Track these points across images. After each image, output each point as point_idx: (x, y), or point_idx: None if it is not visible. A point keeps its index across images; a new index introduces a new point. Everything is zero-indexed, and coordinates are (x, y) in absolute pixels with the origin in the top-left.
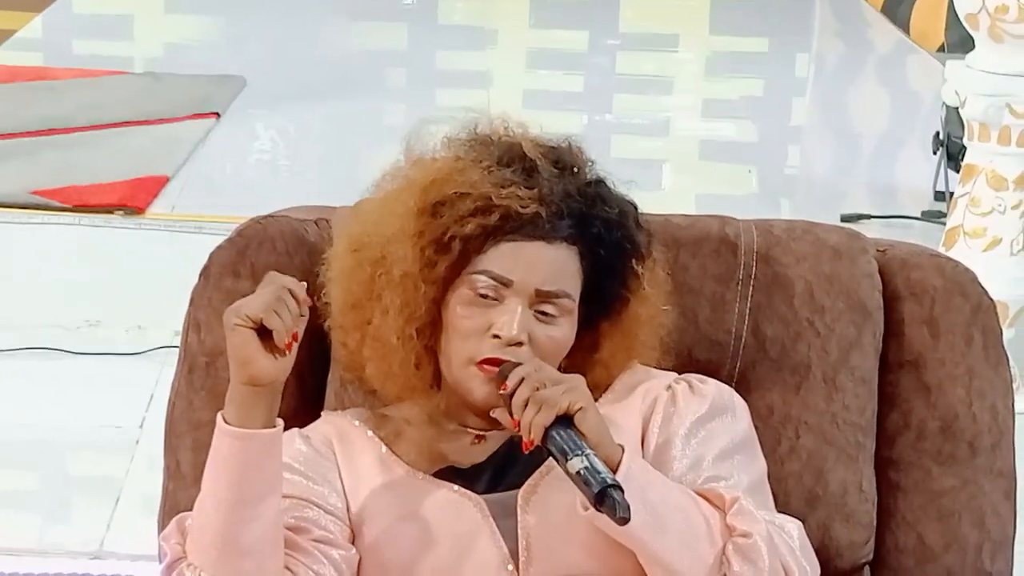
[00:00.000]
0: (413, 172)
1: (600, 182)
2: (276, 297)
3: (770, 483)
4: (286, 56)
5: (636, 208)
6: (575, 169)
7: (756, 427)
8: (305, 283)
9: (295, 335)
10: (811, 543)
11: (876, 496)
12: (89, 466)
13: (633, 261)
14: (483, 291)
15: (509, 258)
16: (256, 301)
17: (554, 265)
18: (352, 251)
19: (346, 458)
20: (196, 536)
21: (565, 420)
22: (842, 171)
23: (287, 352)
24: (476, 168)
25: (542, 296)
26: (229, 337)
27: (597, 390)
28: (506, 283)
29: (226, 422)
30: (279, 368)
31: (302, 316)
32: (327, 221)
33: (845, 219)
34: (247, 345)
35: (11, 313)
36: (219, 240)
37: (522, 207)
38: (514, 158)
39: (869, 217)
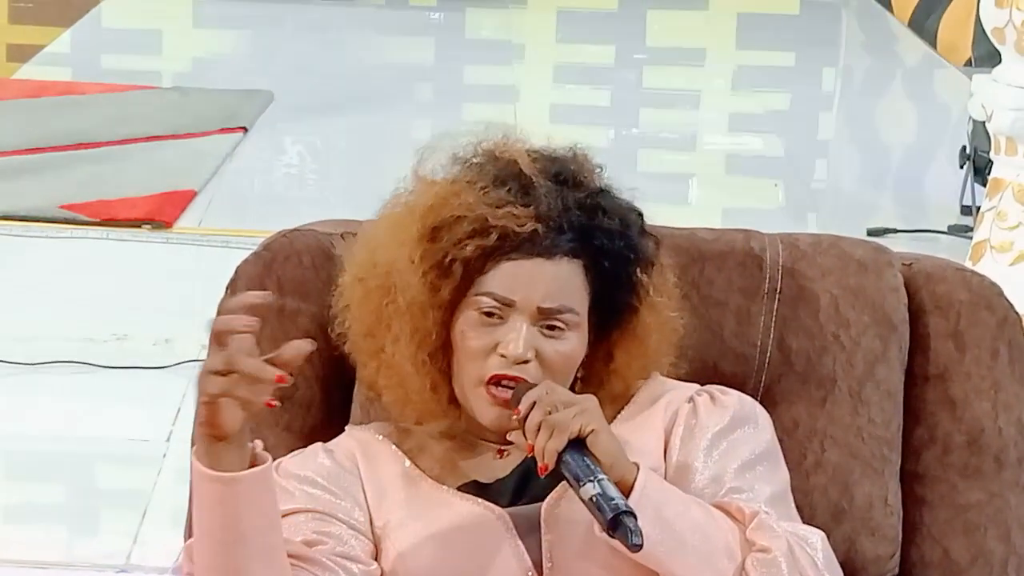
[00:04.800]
0: (412, 197)
1: (602, 192)
2: (236, 379)
3: (795, 497)
4: (313, 70)
5: (641, 215)
6: (577, 181)
7: (781, 440)
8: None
9: (281, 379)
10: (836, 557)
11: (902, 510)
12: (116, 479)
13: (638, 270)
14: (487, 311)
15: (510, 277)
16: (215, 381)
17: (556, 281)
18: (359, 280)
19: (370, 472)
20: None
21: (578, 443)
22: (869, 185)
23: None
24: (471, 190)
25: (544, 313)
26: (198, 403)
27: (616, 402)
28: (508, 303)
29: (200, 462)
30: (245, 417)
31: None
32: (353, 235)
33: (872, 233)
34: (213, 415)
35: (39, 327)
36: (246, 254)
37: (519, 226)
38: (510, 176)
39: (896, 231)
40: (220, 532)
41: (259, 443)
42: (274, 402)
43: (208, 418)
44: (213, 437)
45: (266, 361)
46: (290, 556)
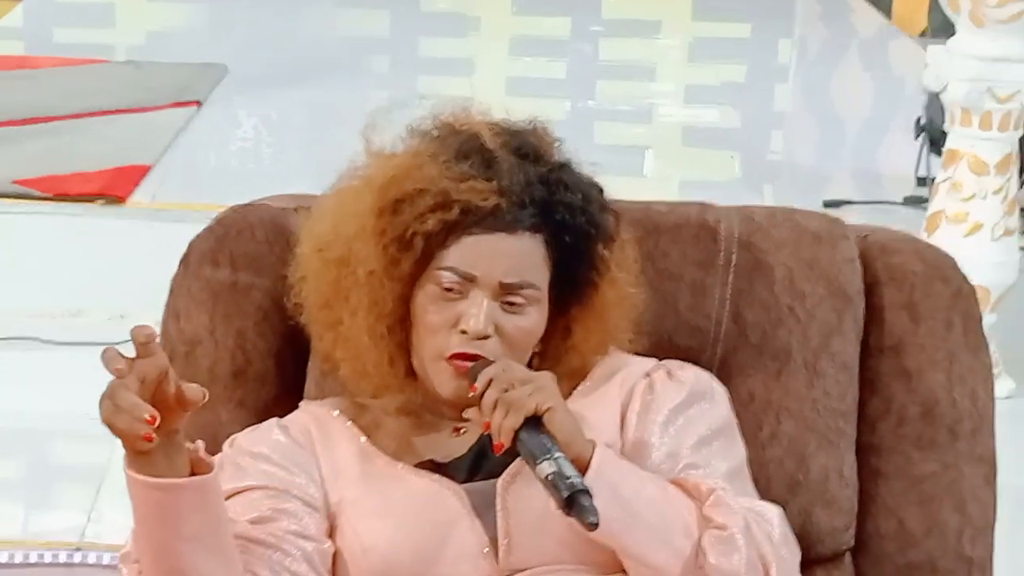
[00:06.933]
0: (371, 170)
1: (563, 166)
2: (115, 409)
3: (751, 469)
4: (268, 43)
5: (601, 190)
6: (538, 155)
7: (737, 413)
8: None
9: (150, 420)
10: (792, 529)
11: (857, 482)
12: (70, 456)
13: (599, 245)
14: (448, 286)
15: (471, 252)
16: (106, 406)
17: (517, 256)
18: (317, 251)
19: (325, 448)
20: (146, 570)
21: (535, 421)
22: (825, 157)
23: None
24: (434, 163)
25: (506, 288)
26: None
27: (573, 378)
28: (470, 278)
29: (132, 469)
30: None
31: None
32: (307, 209)
33: (828, 205)
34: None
35: None
36: (201, 228)
37: (481, 200)
38: (472, 150)
39: (852, 203)
40: (160, 534)
41: (200, 444)
42: (152, 436)
43: (118, 436)
44: (135, 450)
45: (177, 389)
46: (238, 538)
